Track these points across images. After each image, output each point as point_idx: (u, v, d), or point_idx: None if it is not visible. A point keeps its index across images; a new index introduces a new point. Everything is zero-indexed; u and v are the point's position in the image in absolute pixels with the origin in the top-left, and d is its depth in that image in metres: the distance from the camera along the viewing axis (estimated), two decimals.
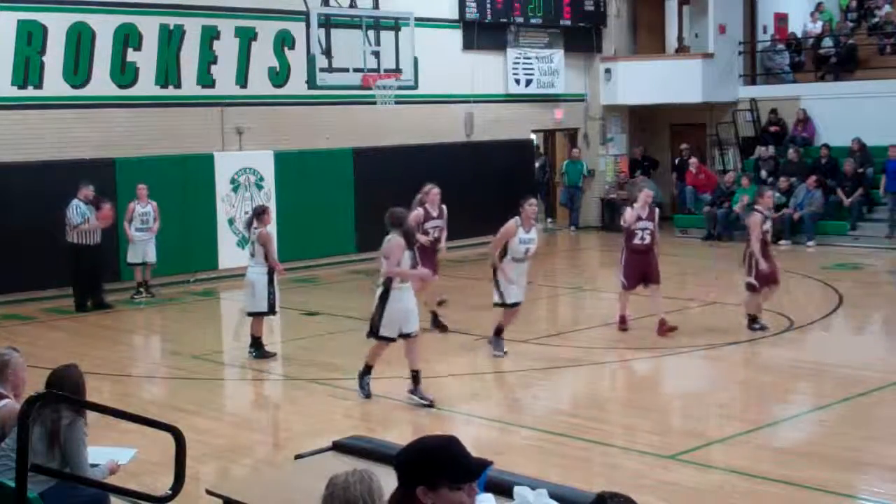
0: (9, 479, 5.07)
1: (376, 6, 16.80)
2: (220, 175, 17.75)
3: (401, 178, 19.30)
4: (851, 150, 21.51)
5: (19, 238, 15.32)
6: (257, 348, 11.89)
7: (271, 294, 11.78)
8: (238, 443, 9.00)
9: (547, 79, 22.97)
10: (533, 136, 23.48)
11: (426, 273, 10.23)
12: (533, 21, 22.44)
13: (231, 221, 17.85)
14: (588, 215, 24.22)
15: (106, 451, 6.20)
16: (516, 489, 4.63)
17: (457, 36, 21.36)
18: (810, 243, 20.43)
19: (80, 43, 16.38)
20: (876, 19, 24.37)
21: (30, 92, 16.00)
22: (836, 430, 9.10)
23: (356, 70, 16.03)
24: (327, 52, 15.62)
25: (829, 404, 9.83)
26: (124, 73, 16.92)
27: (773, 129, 23.18)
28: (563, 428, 9.11)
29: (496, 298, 11.43)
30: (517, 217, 11.43)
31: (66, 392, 5.68)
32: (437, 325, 13.03)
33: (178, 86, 17.52)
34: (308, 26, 15.48)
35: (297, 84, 18.08)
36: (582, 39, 23.60)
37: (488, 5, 21.60)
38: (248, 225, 12.02)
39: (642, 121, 24.99)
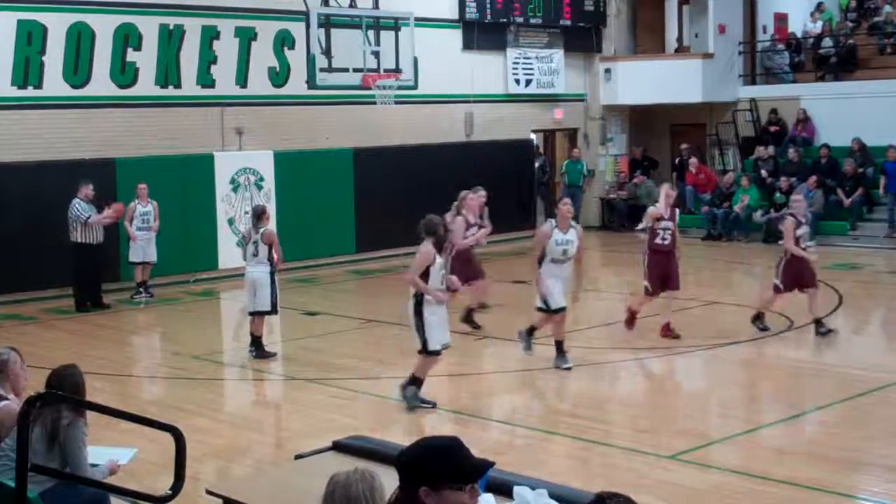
0: (9, 479, 5.07)
1: (376, 6, 16.79)
2: (219, 175, 17.74)
3: (401, 178, 19.39)
4: (851, 150, 21.51)
5: (19, 238, 15.32)
6: (257, 348, 11.89)
7: (274, 293, 11.81)
8: (238, 443, 9.00)
9: (547, 79, 22.96)
10: (533, 136, 23.46)
11: (442, 296, 9.47)
12: (533, 21, 22.43)
13: (231, 221, 17.84)
14: (588, 215, 24.18)
15: (106, 451, 6.20)
16: (516, 489, 4.63)
17: (457, 36, 21.35)
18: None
19: (79, 43, 16.38)
20: (877, 19, 24.34)
21: (30, 92, 16.00)
22: (836, 430, 9.10)
23: (356, 70, 16.03)
24: (327, 52, 15.62)
25: (829, 404, 9.84)
26: (124, 73, 16.92)
27: (772, 129, 23.17)
28: (563, 428, 9.12)
29: (539, 303, 11.12)
30: (551, 219, 11.37)
31: (66, 392, 5.69)
32: (469, 320, 12.98)
33: (178, 86, 17.52)
34: (308, 26, 15.48)
35: (297, 84, 18.06)
36: (582, 39, 23.60)
37: (488, 5, 21.58)
38: (254, 225, 11.98)
39: (642, 121, 24.98)
